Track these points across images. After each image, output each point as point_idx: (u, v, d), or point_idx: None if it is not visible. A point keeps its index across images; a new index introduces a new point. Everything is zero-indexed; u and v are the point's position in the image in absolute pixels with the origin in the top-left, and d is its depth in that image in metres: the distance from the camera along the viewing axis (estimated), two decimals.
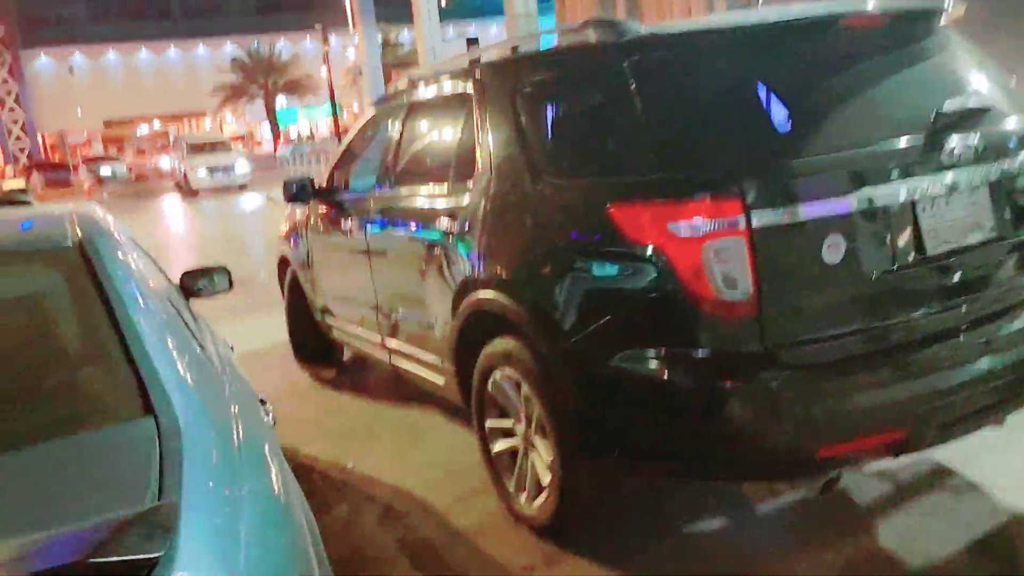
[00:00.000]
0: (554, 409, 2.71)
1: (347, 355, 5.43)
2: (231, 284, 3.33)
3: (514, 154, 2.98)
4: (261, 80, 49.10)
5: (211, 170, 22.95)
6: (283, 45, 51.27)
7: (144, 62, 56.63)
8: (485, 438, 3.19)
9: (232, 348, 3.19)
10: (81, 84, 54.20)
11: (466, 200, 3.21)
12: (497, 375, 3.03)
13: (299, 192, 4.64)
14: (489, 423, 3.16)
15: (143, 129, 55.49)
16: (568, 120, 2.89)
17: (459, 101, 3.43)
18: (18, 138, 50.81)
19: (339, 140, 34.16)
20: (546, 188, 2.81)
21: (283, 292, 5.56)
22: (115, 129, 55.77)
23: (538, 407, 2.78)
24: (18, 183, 14.66)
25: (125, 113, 54.99)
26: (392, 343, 4.05)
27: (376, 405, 4.71)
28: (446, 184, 3.43)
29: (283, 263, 5.50)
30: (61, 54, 53.76)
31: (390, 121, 4.18)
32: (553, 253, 2.71)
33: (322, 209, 4.70)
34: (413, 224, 3.66)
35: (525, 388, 2.86)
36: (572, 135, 2.84)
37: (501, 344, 2.97)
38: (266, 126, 53.03)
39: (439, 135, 3.78)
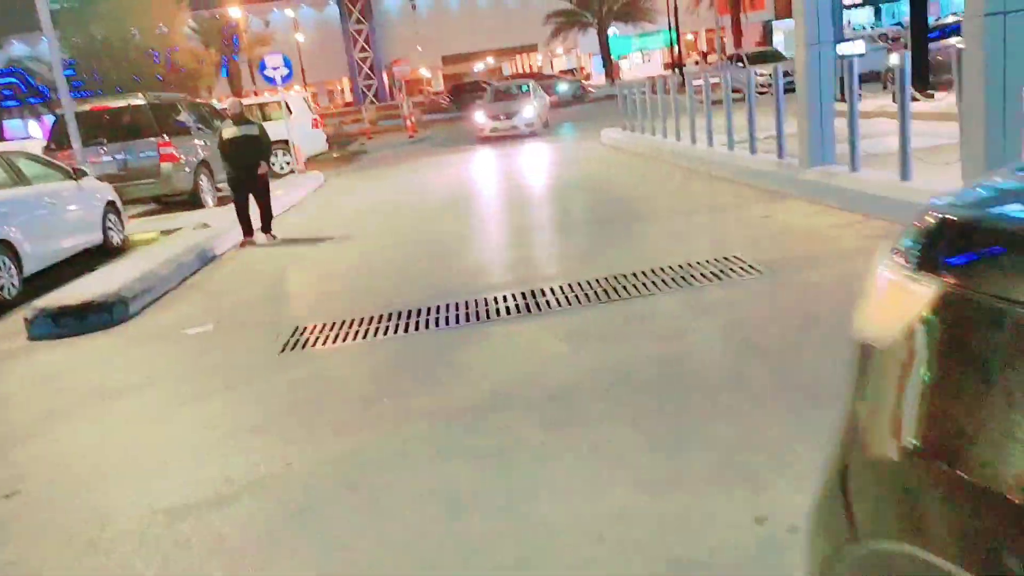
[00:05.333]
0: None
1: None
2: None
3: None
4: (596, 6, 45.39)
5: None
6: None
7: None
8: None
9: None
10: (423, 22, 54.96)
11: None
12: None
13: None
14: None
15: (479, 66, 55.12)
16: None
17: None
18: (368, 76, 52.80)
19: (677, 73, 29.56)
20: None
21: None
22: (452, 65, 56.14)
23: None
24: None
25: (462, 49, 55.02)
26: None
27: None
28: None
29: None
30: None
31: None
32: None
33: None
34: None
35: None
36: None
37: None
38: (597, 60, 49.67)
39: None
